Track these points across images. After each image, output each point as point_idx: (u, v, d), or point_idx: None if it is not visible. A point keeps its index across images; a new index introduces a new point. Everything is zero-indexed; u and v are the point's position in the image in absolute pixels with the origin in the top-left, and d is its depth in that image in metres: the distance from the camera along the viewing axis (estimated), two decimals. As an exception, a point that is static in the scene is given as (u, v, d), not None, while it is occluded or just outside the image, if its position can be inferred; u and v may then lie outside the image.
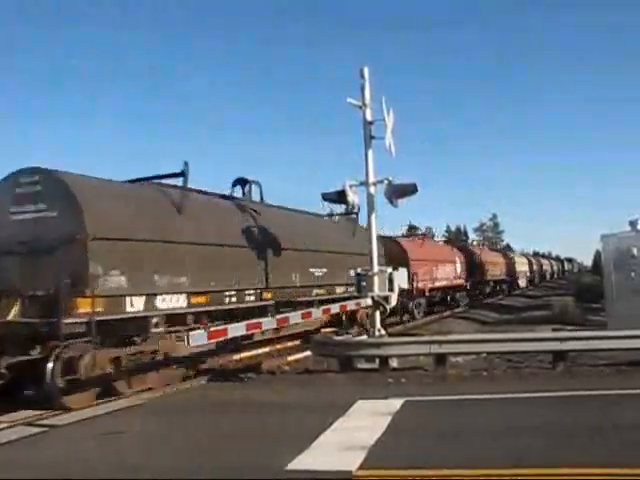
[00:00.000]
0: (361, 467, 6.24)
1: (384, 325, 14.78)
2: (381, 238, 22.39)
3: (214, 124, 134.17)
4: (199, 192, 13.87)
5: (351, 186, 14.49)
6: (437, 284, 29.56)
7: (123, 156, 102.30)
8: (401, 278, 15.06)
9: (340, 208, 19.32)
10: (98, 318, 10.08)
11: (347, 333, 17.48)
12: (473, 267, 36.44)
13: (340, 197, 14.68)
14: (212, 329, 10.85)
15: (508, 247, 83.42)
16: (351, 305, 15.43)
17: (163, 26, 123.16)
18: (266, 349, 16.40)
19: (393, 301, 14.54)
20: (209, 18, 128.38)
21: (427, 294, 28.19)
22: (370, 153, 14.39)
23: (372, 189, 14.43)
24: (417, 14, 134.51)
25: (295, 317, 13.30)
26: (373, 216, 14.79)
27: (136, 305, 10.92)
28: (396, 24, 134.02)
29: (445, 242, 53.93)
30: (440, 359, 12.40)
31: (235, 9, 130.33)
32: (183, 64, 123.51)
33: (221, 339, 11.22)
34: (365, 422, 8.24)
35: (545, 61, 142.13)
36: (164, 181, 13.01)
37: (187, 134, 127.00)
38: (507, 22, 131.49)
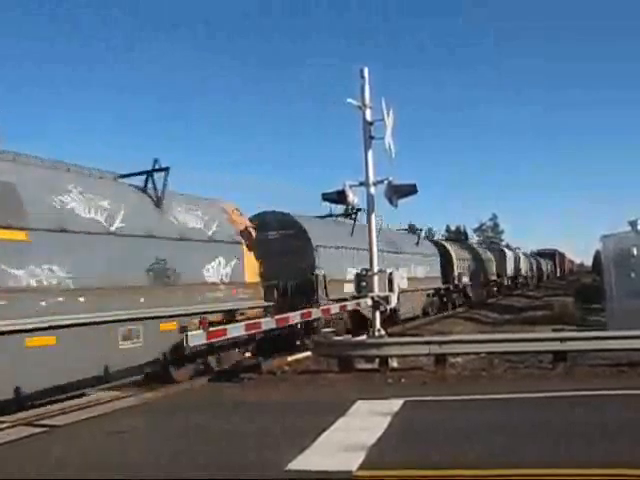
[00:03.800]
0: (361, 467, 6.25)
1: (384, 326, 14.81)
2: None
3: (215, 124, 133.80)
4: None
5: (351, 186, 14.50)
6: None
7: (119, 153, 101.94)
8: (401, 278, 15.08)
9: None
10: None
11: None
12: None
13: (340, 197, 14.70)
14: (211, 329, 10.85)
15: (508, 247, 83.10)
16: (351, 305, 15.46)
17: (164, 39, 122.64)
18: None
19: (393, 301, 14.56)
20: (209, 15, 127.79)
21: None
22: (370, 153, 14.39)
23: (372, 189, 14.44)
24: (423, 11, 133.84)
25: (295, 317, 13.31)
26: (373, 216, 14.81)
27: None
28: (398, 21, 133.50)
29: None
30: (440, 359, 12.40)
31: (237, 9, 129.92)
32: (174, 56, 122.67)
33: (220, 339, 11.24)
34: (365, 422, 8.24)
35: (546, 61, 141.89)
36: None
37: (183, 133, 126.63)
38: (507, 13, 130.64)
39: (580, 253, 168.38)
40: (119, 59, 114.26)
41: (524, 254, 65.44)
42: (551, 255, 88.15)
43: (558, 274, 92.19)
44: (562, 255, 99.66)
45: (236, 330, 11.61)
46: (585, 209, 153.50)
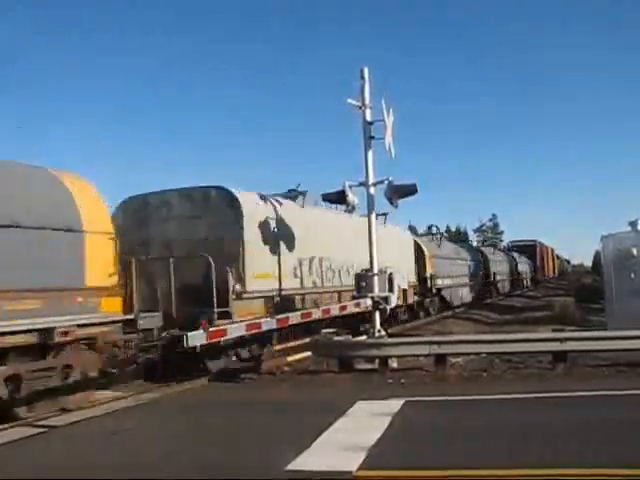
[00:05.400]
0: (361, 467, 6.25)
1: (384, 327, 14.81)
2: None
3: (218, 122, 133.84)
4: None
5: (351, 186, 14.50)
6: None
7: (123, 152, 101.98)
8: (401, 278, 15.10)
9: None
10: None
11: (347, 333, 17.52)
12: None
13: (340, 197, 14.70)
14: (211, 329, 10.86)
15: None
16: (351, 306, 15.46)
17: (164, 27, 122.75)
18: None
19: (393, 302, 14.56)
20: (208, 16, 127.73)
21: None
22: (370, 153, 14.39)
23: (372, 190, 14.44)
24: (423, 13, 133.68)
25: (295, 317, 13.31)
26: (373, 216, 14.79)
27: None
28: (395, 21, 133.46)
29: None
30: (440, 360, 12.40)
31: (238, 8, 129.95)
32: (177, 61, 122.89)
33: (220, 339, 11.26)
34: (365, 422, 8.25)
35: (547, 60, 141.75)
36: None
37: (184, 131, 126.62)
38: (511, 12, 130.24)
39: (580, 253, 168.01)
40: (120, 50, 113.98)
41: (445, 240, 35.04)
42: (530, 250, 57.80)
43: (541, 277, 62.75)
44: (547, 249, 67.77)
45: (236, 330, 11.64)
46: (585, 209, 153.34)
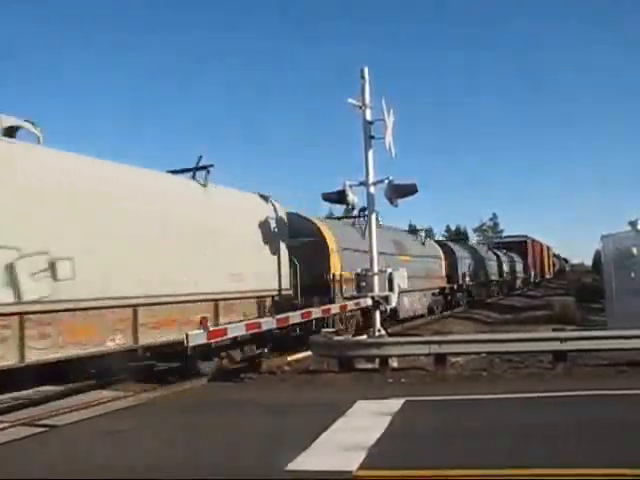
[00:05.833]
0: (361, 467, 6.25)
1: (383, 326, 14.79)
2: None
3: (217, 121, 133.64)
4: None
5: (351, 186, 14.50)
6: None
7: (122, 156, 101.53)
8: (401, 278, 15.09)
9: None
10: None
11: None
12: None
13: (340, 197, 14.70)
14: (211, 329, 10.86)
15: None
16: (351, 305, 15.45)
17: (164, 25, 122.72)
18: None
19: (393, 301, 14.56)
20: (209, 13, 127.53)
21: None
22: (370, 153, 14.39)
23: (372, 189, 14.44)
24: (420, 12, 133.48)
25: (295, 317, 13.29)
26: (373, 216, 14.81)
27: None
28: (395, 20, 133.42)
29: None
30: (440, 359, 12.41)
31: (239, 8, 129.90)
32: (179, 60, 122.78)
33: (220, 339, 11.25)
34: (365, 422, 8.24)
35: (548, 58, 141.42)
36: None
37: (183, 127, 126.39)
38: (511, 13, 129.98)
39: (580, 252, 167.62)
40: (119, 47, 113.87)
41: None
42: (520, 247, 52.87)
43: (534, 279, 57.54)
44: (541, 246, 61.97)
45: (236, 330, 11.63)
46: (585, 209, 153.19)
